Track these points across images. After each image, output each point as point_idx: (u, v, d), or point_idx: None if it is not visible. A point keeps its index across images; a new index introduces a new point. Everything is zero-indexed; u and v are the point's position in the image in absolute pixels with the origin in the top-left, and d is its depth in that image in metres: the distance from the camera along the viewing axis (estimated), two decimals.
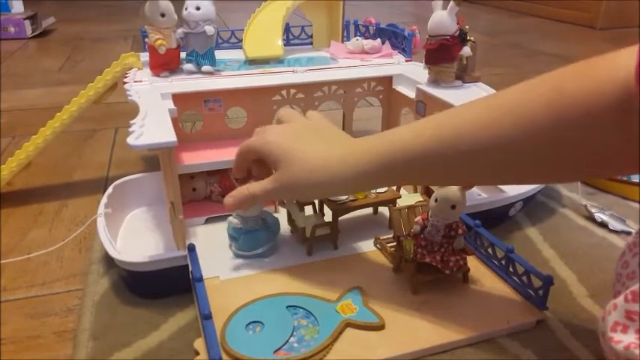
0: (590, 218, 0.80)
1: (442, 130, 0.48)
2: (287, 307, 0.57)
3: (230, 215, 0.65)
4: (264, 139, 0.57)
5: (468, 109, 0.48)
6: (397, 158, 0.50)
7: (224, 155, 0.72)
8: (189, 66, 0.76)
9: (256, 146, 0.57)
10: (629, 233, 0.75)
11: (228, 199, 0.59)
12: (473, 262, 0.64)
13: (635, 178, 0.87)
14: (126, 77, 0.75)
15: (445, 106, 0.68)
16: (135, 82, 0.73)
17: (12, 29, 2.05)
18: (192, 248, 0.61)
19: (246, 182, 0.60)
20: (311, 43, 0.98)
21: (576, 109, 0.40)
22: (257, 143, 0.58)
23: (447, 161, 0.48)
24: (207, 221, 0.73)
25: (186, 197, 0.74)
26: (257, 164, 0.60)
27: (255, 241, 0.64)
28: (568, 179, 0.52)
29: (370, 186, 0.59)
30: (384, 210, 0.75)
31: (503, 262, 0.62)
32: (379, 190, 0.72)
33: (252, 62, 0.84)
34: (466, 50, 0.73)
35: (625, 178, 0.87)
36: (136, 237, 0.71)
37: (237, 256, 0.65)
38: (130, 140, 0.53)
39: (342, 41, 0.96)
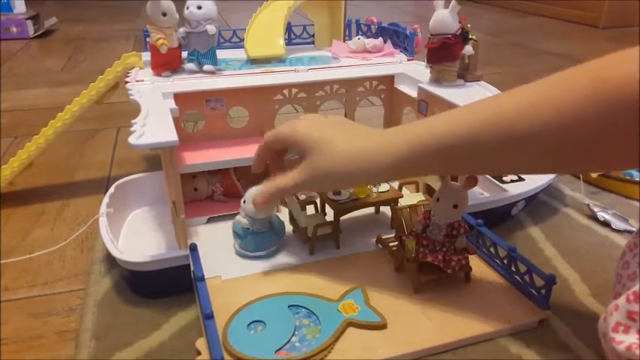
0: (593, 217, 0.79)
1: (495, 117, 0.47)
2: (289, 306, 0.56)
3: (237, 214, 0.65)
4: (294, 126, 0.56)
5: (504, 99, 0.48)
6: (440, 145, 0.49)
7: (226, 155, 0.72)
8: (190, 65, 0.76)
9: (285, 134, 0.56)
10: (631, 232, 0.75)
11: (257, 198, 0.59)
12: (475, 262, 0.63)
13: (636, 177, 0.87)
14: (127, 77, 0.75)
15: (448, 105, 0.68)
16: (136, 81, 0.73)
17: (14, 29, 2.06)
18: (193, 248, 0.61)
19: (249, 180, 0.60)
20: (313, 43, 0.98)
21: (622, 94, 0.40)
22: (286, 130, 0.56)
23: (494, 147, 0.47)
24: (209, 221, 0.73)
25: (188, 197, 0.74)
26: (275, 159, 0.60)
27: (260, 242, 0.64)
28: (617, 166, 0.57)
29: (406, 174, 0.59)
30: (385, 209, 0.75)
31: (505, 261, 0.62)
32: (381, 190, 0.71)
33: (253, 61, 0.84)
34: (468, 49, 0.73)
35: (628, 177, 0.87)
36: (137, 236, 0.71)
37: (239, 254, 0.65)
38: (132, 140, 0.53)
39: (344, 40, 0.96)
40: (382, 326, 0.54)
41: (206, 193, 0.77)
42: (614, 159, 0.46)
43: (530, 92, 0.46)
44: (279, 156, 0.61)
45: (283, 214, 0.73)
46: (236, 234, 0.65)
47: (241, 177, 0.76)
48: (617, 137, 0.42)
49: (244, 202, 0.64)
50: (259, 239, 0.64)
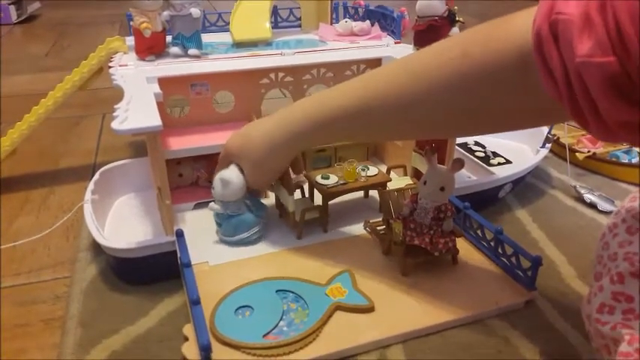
0: (580, 199, 0.80)
1: (367, 92, 0.52)
2: (276, 291, 0.56)
3: (212, 201, 0.65)
4: (225, 147, 0.64)
5: (389, 72, 0.52)
6: (320, 119, 0.55)
7: (211, 140, 0.71)
8: (175, 49, 0.75)
9: (223, 156, 0.65)
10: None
11: None
12: (462, 244, 0.64)
13: (622, 159, 0.87)
14: (111, 61, 0.74)
15: None
16: (120, 66, 0.71)
17: None
18: (180, 234, 0.60)
19: None
20: (299, 26, 0.97)
21: (480, 70, 0.43)
22: (222, 154, 0.65)
23: (371, 119, 0.52)
24: (196, 207, 0.72)
25: (173, 183, 0.73)
26: None
27: (238, 226, 0.64)
28: (483, 132, 0.63)
29: (306, 143, 0.63)
30: (374, 193, 0.75)
31: (492, 243, 0.62)
32: (369, 174, 0.71)
33: (239, 45, 0.82)
34: (455, 31, 0.72)
35: (614, 159, 0.87)
36: (124, 223, 0.70)
37: (222, 242, 0.65)
38: (115, 125, 0.52)
39: (331, 23, 0.94)
40: (370, 309, 0.54)
41: (191, 180, 0.76)
42: (488, 126, 0.52)
43: (413, 65, 0.50)
44: None
45: (271, 200, 0.73)
46: (215, 221, 0.65)
47: None
48: (483, 107, 0.45)
49: (213, 188, 0.63)
50: (236, 222, 0.64)
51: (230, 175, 0.62)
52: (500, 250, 0.61)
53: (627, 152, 0.89)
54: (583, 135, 0.95)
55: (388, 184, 0.71)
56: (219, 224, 0.64)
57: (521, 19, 0.40)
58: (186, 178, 0.76)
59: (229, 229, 0.64)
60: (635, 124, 0.33)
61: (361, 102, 0.52)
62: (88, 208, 0.65)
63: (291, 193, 0.66)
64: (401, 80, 0.49)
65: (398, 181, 0.76)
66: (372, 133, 0.58)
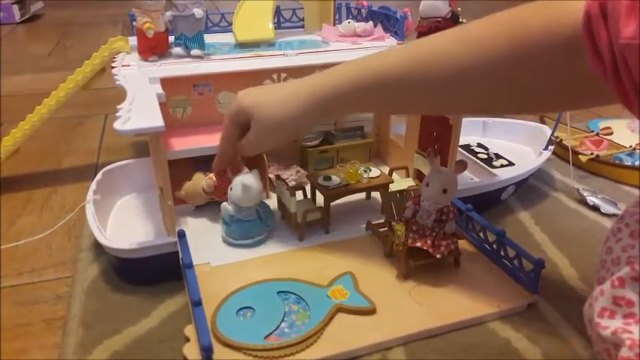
0: (582, 202, 0.80)
1: (415, 58, 0.51)
2: (278, 292, 0.56)
3: (225, 201, 0.65)
4: (238, 101, 0.61)
5: (440, 42, 0.51)
6: (368, 82, 0.53)
7: (214, 141, 0.71)
8: (177, 50, 0.75)
9: (235, 108, 0.61)
10: None
11: (216, 161, 0.66)
12: (464, 246, 0.63)
13: (626, 161, 0.87)
14: (114, 61, 0.74)
15: None
16: (123, 66, 0.71)
17: (0, 14, 2.02)
18: (182, 234, 0.60)
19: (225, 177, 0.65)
20: (302, 26, 0.96)
21: (533, 43, 0.43)
22: (235, 106, 0.62)
23: (416, 87, 0.51)
24: (198, 207, 0.72)
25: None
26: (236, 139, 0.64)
27: (246, 231, 0.64)
28: (526, 110, 0.61)
29: (340, 109, 0.61)
30: (376, 195, 0.75)
31: (494, 245, 0.62)
32: (372, 175, 0.71)
33: (242, 46, 0.82)
34: None
35: (617, 161, 0.87)
36: (126, 223, 0.70)
37: (225, 242, 0.65)
38: (117, 125, 0.52)
39: (334, 24, 0.94)
40: (372, 311, 0.54)
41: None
42: (531, 103, 0.50)
43: (462, 32, 0.49)
44: (239, 135, 0.63)
45: (272, 200, 0.73)
46: (223, 221, 0.65)
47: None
48: (530, 82, 0.45)
49: (231, 189, 0.63)
50: (245, 227, 0.64)
51: (252, 181, 0.62)
52: (502, 253, 0.61)
53: (630, 155, 0.89)
54: (586, 137, 0.95)
55: (390, 185, 0.71)
56: (226, 224, 0.64)
57: (575, 1, 0.40)
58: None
59: (236, 233, 0.64)
60: None
61: (408, 68, 0.51)
62: (90, 208, 0.65)
63: (293, 195, 0.66)
64: (452, 49, 0.48)
65: (400, 183, 0.76)
66: (412, 102, 0.56)
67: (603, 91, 0.37)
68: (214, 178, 0.67)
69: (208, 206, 0.71)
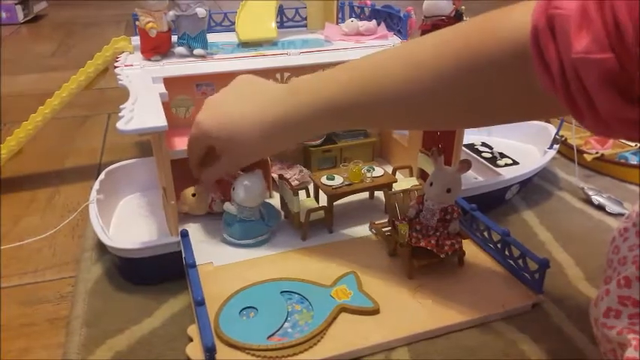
0: (587, 201, 0.79)
1: (365, 84, 0.51)
2: (281, 292, 0.56)
3: (227, 201, 0.65)
4: (197, 125, 0.59)
5: (387, 64, 0.51)
6: (319, 107, 0.53)
7: None
8: (180, 49, 0.75)
9: (195, 135, 0.60)
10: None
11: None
12: (468, 246, 0.63)
13: (631, 160, 0.86)
14: (117, 61, 0.73)
15: None
16: (125, 66, 0.71)
17: (3, 14, 2.03)
18: (185, 234, 0.60)
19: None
20: (305, 25, 0.96)
21: (479, 61, 0.43)
22: (193, 134, 0.60)
23: (368, 109, 0.51)
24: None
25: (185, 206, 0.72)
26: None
27: (247, 231, 0.64)
28: (478, 124, 0.63)
29: (306, 134, 0.61)
30: (380, 194, 0.74)
31: (499, 245, 0.62)
32: (375, 175, 0.71)
33: (245, 45, 0.82)
34: None
35: (622, 160, 0.86)
36: (129, 223, 0.70)
37: (227, 242, 0.65)
38: (120, 125, 0.52)
39: (337, 23, 0.94)
40: (375, 311, 0.54)
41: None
42: (488, 118, 0.51)
43: (414, 55, 0.49)
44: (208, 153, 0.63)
45: (275, 200, 0.72)
46: (225, 222, 0.65)
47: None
48: (484, 98, 0.45)
49: (233, 189, 0.63)
50: (246, 228, 0.64)
51: (255, 182, 0.62)
52: (507, 253, 0.61)
53: (636, 153, 0.88)
54: (591, 136, 0.95)
55: (394, 185, 0.71)
56: (228, 224, 0.64)
57: (520, 11, 0.40)
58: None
59: (237, 233, 0.64)
60: (633, 120, 0.32)
61: (360, 93, 0.51)
62: (93, 208, 0.65)
63: (296, 194, 0.65)
64: (399, 72, 0.49)
65: (404, 182, 0.75)
66: (369, 122, 0.58)
67: (555, 104, 0.36)
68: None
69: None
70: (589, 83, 0.32)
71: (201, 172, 0.64)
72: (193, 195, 0.68)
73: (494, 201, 0.77)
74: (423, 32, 0.73)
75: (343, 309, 0.54)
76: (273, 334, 0.51)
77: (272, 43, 0.83)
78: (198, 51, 0.74)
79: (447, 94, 0.46)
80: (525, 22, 0.37)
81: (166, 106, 0.59)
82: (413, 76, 0.47)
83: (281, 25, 0.94)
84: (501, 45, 0.41)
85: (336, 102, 0.52)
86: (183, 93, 0.74)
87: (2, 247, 0.66)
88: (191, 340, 0.51)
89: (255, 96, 0.58)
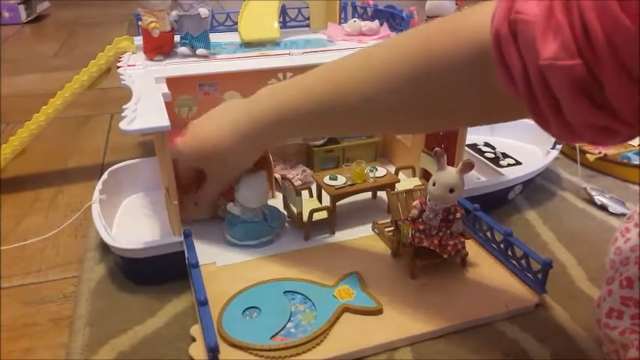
0: (590, 201, 0.79)
1: (327, 90, 0.51)
2: (284, 292, 0.56)
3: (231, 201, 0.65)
4: (181, 154, 0.62)
5: (348, 68, 0.51)
6: (283, 117, 0.54)
7: None
8: (183, 49, 0.75)
9: (181, 164, 0.63)
10: None
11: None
12: (471, 246, 0.63)
13: (634, 160, 0.86)
14: (119, 61, 0.74)
15: None
16: (128, 66, 0.71)
17: (6, 14, 2.03)
18: (188, 234, 0.60)
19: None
20: (308, 25, 0.96)
21: (438, 65, 0.42)
22: (180, 162, 0.63)
23: (333, 116, 0.52)
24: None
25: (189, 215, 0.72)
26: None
27: (249, 232, 0.64)
28: (441, 128, 0.60)
29: (268, 141, 0.61)
30: (382, 194, 0.74)
31: (502, 245, 0.62)
32: (378, 175, 0.71)
33: (247, 45, 0.82)
34: None
35: (625, 160, 0.86)
36: (132, 223, 0.70)
37: (229, 243, 0.65)
38: (123, 125, 0.52)
39: (340, 23, 0.94)
40: (378, 311, 0.54)
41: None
42: (446, 122, 0.51)
43: (370, 60, 0.49)
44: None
45: (278, 200, 0.72)
46: (228, 222, 0.65)
47: None
48: (441, 103, 0.45)
49: (237, 190, 0.63)
50: (249, 229, 0.63)
51: (259, 183, 0.62)
52: (509, 253, 0.60)
53: (639, 154, 0.88)
54: None
55: (397, 185, 0.71)
56: (231, 225, 0.64)
57: (479, 14, 0.39)
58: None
59: (239, 233, 0.64)
60: (601, 126, 0.32)
61: (322, 100, 0.51)
62: (96, 208, 0.65)
63: (299, 194, 0.65)
64: (360, 76, 0.48)
65: (406, 182, 0.75)
66: (334, 129, 0.58)
67: (520, 106, 0.35)
68: None
69: None
70: (557, 89, 0.31)
71: (191, 196, 0.66)
72: (195, 204, 0.68)
73: (497, 201, 0.77)
74: None
75: (346, 309, 0.54)
76: (276, 334, 0.51)
77: (274, 43, 0.84)
78: (200, 51, 0.74)
79: (405, 96, 0.46)
80: (485, 24, 0.36)
81: (169, 106, 0.59)
82: (371, 79, 0.47)
83: (283, 25, 0.94)
84: (462, 46, 0.40)
85: (297, 107, 0.53)
86: (186, 93, 0.75)
87: (6, 247, 0.66)
88: (194, 340, 0.52)
89: (230, 112, 0.60)
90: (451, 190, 0.57)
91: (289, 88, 0.55)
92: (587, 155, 0.88)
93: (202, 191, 0.65)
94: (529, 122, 0.94)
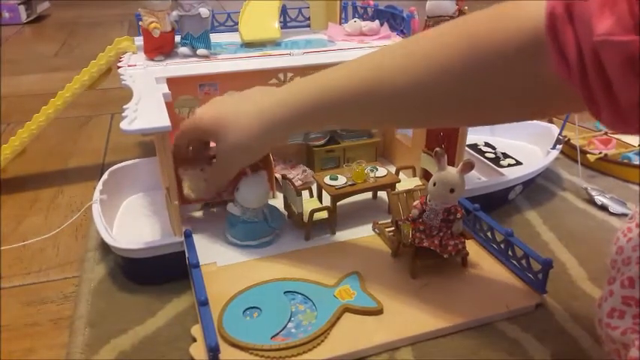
0: (591, 201, 0.79)
1: (372, 75, 0.50)
2: (285, 292, 0.56)
3: (231, 201, 0.65)
4: (197, 117, 0.59)
5: (394, 56, 0.50)
6: (325, 100, 0.52)
7: None
8: (184, 49, 0.75)
9: (191, 127, 0.59)
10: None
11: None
12: (472, 246, 0.63)
13: (635, 161, 0.86)
14: (120, 61, 0.74)
15: None
16: (129, 66, 0.71)
17: (7, 15, 2.04)
18: (188, 234, 0.60)
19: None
20: (308, 26, 0.96)
21: (487, 52, 0.41)
22: (190, 123, 0.60)
23: (370, 104, 0.50)
24: (205, 207, 0.72)
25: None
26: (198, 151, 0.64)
27: (250, 232, 0.64)
28: (483, 122, 0.57)
29: (301, 127, 0.59)
30: (383, 195, 0.74)
31: (502, 245, 0.62)
32: (378, 175, 0.71)
33: (248, 45, 0.82)
34: None
35: (626, 160, 0.86)
36: (132, 223, 0.70)
37: (229, 243, 0.65)
38: (123, 125, 0.52)
39: (340, 23, 0.94)
40: (379, 311, 0.54)
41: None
42: (489, 114, 0.48)
43: (413, 47, 0.48)
44: (202, 146, 0.63)
45: (279, 200, 0.72)
46: (228, 222, 0.65)
47: None
48: (486, 92, 0.43)
49: (237, 190, 0.63)
50: (249, 229, 0.63)
51: (259, 183, 0.62)
52: (510, 253, 0.60)
53: (639, 154, 0.88)
54: (594, 136, 0.95)
55: (397, 185, 0.71)
56: (231, 225, 0.64)
57: (528, 3, 0.39)
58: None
59: (239, 234, 0.64)
60: None
61: (367, 85, 0.49)
62: (96, 208, 0.65)
63: (299, 194, 0.65)
64: (402, 64, 0.47)
65: (407, 183, 0.75)
66: (373, 118, 0.55)
67: (565, 97, 0.35)
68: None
69: (215, 206, 0.71)
70: (610, 66, 0.31)
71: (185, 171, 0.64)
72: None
73: (498, 201, 0.77)
74: None
75: (347, 309, 0.54)
76: (276, 334, 0.51)
77: (275, 43, 0.83)
78: (201, 51, 0.74)
79: (450, 87, 0.45)
80: (537, 11, 0.36)
81: (170, 106, 0.59)
82: (414, 69, 0.46)
83: (284, 25, 0.94)
84: (512, 34, 0.39)
85: (341, 86, 0.51)
86: (186, 93, 0.74)
87: (6, 248, 0.66)
88: (195, 340, 0.52)
89: (256, 96, 0.58)
90: (451, 190, 0.57)
91: (332, 72, 0.53)
92: (588, 155, 0.88)
93: (211, 171, 0.63)
94: (530, 122, 0.94)
